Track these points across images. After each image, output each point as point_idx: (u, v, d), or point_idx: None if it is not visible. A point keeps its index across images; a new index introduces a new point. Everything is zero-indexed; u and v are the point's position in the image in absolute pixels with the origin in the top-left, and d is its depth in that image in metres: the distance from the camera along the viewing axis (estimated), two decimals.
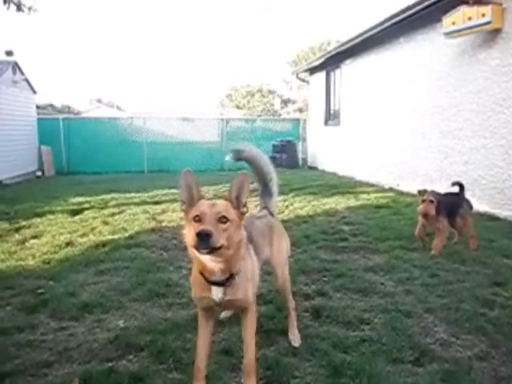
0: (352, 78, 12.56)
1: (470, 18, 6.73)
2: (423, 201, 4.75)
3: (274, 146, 16.27)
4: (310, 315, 3.26)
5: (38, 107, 16.61)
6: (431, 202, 4.70)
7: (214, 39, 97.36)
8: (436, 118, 8.41)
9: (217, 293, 2.16)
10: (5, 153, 12.25)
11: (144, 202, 8.37)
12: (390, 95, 10.27)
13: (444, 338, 2.90)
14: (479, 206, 6.83)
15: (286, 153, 15.90)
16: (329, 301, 3.51)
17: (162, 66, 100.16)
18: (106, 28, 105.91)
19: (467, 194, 5.23)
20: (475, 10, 6.65)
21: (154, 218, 6.82)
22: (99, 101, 45.78)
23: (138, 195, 9.33)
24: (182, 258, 4.62)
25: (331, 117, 14.59)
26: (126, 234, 5.80)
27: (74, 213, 7.30)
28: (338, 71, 13.74)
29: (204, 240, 1.88)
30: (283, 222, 4.74)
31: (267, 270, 2.87)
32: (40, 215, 7.07)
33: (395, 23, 9.09)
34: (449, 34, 7.35)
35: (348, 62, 12.71)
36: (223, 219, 1.97)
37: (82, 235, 5.77)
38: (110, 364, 2.63)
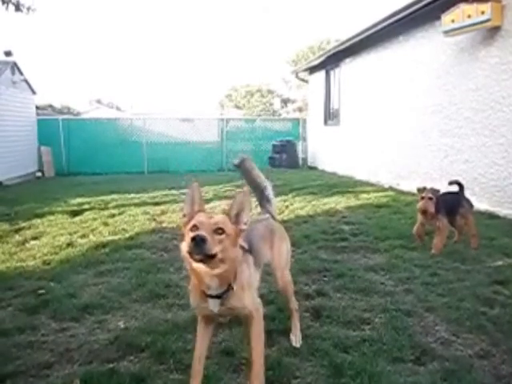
0: (351, 77, 12.56)
1: (469, 16, 6.73)
2: (422, 198, 4.75)
3: (273, 145, 16.27)
4: (310, 315, 3.25)
5: (37, 108, 16.65)
6: (430, 198, 4.69)
7: (213, 39, 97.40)
8: (436, 116, 8.41)
9: (214, 305, 2.15)
10: (5, 154, 12.26)
11: (144, 203, 8.37)
12: (389, 94, 10.26)
13: (445, 337, 2.89)
14: (479, 204, 6.83)
15: (286, 153, 15.90)
16: (329, 301, 3.50)
17: (161, 67, 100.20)
18: (105, 28, 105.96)
19: (467, 193, 5.22)
20: (474, 7, 6.64)
21: (155, 219, 6.83)
22: (99, 101, 45.79)
23: (138, 196, 9.33)
24: (183, 259, 4.61)
25: (331, 116, 14.60)
26: (127, 235, 5.80)
27: (74, 214, 7.31)
28: (337, 70, 13.74)
29: (198, 245, 1.88)
30: (283, 222, 4.74)
31: (267, 271, 2.87)
32: (40, 216, 7.07)
33: (394, 22, 9.09)
34: (448, 32, 7.35)
35: (347, 60, 12.71)
36: (219, 230, 1.97)
37: (83, 236, 5.77)
38: (111, 365, 2.63)
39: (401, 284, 3.86)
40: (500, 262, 4.35)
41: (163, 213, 7.34)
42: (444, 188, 5.06)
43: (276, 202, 3.13)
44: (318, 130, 15.75)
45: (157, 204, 8.22)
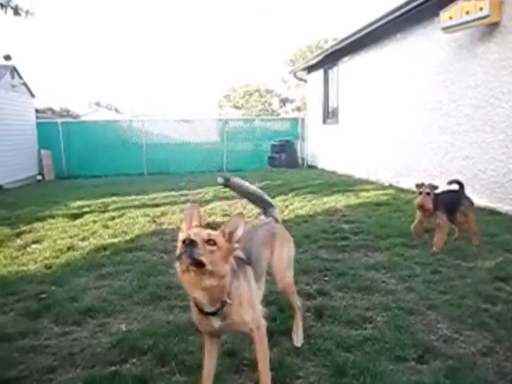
0: (350, 75, 12.56)
1: (467, 12, 6.71)
2: (420, 193, 4.76)
3: (272, 145, 16.25)
4: (312, 315, 3.25)
5: (37, 111, 16.65)
6: (428, 194, 4.70)
7: (211, 40, 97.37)
8: (435, 113, 8.40)
9: (215, 321, 2.15)
10: (5, 157, 12.28)
11: (144, 205, 8.37)
12: (388, 92, 10.26)
13: (447, 335, 2.89)
14: (480, 200, 6.83)
15: (285, 152, 15.88)
16: (331, 300, 3.50)
17: (159, 68, 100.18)
18: (102, 30, 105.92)
19: (468, 189, 5.22)
20: (473, 3, 6.62)
21: (155, 221, 6.82)
22: (98, 104, 45.76)
23: (138, 198, 9.33)
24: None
25: (330, 115, 14.60)
26: (127, 238, 5.80)
27: (75, 217, 7.31)
28: (335, 69, 13.74)
29: (188, 248, 1.89)
30: (284, 221, 4.72)
31: (268, 271, 2.87)
32: (41, 220, 7.08)
33: (392, 19, 9.08)
34: (446, 29, 7.34)
35: (345, 59, 12.71)
36: (211, 241, 1.98)
37: (83, 239, 5.77)
38: (114, 368, 2.63)
39: (402, 282, 3.86)
40: (501, 259, 4.34)
41: (163, 214, 7.33)
42: (444, 185, 5.05)
43: (277, 209, 3.12)
44: (317, 129, 15.75)
45: (157, 206, 8.22)
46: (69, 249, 5.31)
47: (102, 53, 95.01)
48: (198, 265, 1.92)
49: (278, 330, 2.97)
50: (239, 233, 2.11)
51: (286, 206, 7.61)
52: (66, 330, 3.17)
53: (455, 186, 5.02)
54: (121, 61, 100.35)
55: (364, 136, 11.63)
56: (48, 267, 4.65)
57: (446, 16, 7.20)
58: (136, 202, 8.75)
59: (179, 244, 1.96)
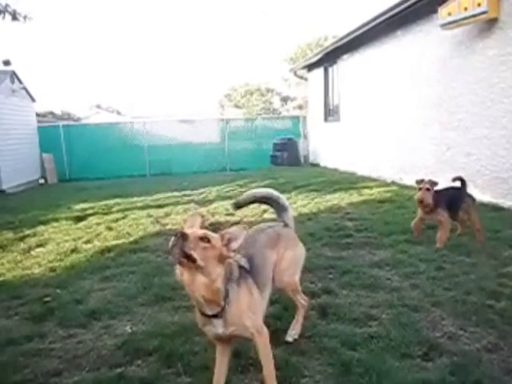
0: (350, 72, 12.54)
1: (465, 9, 6.70)
2: (420, 189, 4.76)
3: (274, 144, 16.27)
4: (316, 313, 3.25)
5: (38, 115, 16.69)
6: (427, 189, 4.71)
7: (211, 39, 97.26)
8: (436, 109, 8.38)
9: (217, 324, 2.17)
10: (7, 162, 12.32)
11: (147, 206, 8.38)
12: (388, 89, 10.24)
13: (452, 331, 2.89)
14: (482, 196, 6.82)
15: (287, 151, 15.89)
16: (335, 298, 3.51)
17: (159, 68, 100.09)
18: (101, 32, 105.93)
19: (470, 185, 5.20)
20: None
21: (158, 222, 6.83)
22: (98, 106, 45.76)
23: (141, 199, 9.35)
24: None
25: (331, 113, 14.58)
26: (131, 239, 5.81)
27: (78, 219, 7.33)
28: (335, 67, 13.72)
29: (180, 240, 1.91)
30: None
31: None
32: (44, 223, 7.10)
33: (391, 16, 9.06)
34: (445, 26, 7.33)
35: (345, 57, 12.69)
36: (205, 239, 1.99)
37: (87, 241, 5.78)
38: (119, 370, 2.64)
39: (406, 279, 3.86)
40: (505, 255, 4.33)
41: (167, 215, 7.34)
42: (447, 182, 5.04)
43: (292, 212, 3.15)
44: (318, 127, 15.74)
45: (160, 206, 8.23)
46: (73, 251, 5.33)
47: (101, 54, 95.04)
48: (188, 258, 1.93)
49: (283, 328, 2.96)
50: (238, 242, 2.12)
51: (290, 205, 7.59)
52: (70, 333, 3.18)
53: (457, 183, 5.01)
54: (120, 62, 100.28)
55: (365, 133, 11.61)
56: (52, 270, 4.67)
57: (444, 12, 7.18)
58: (139, 204, 8.77)
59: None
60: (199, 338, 2.85)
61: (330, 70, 14.29)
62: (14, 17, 9.31)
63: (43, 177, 14.88)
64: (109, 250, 5.33)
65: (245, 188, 10.07)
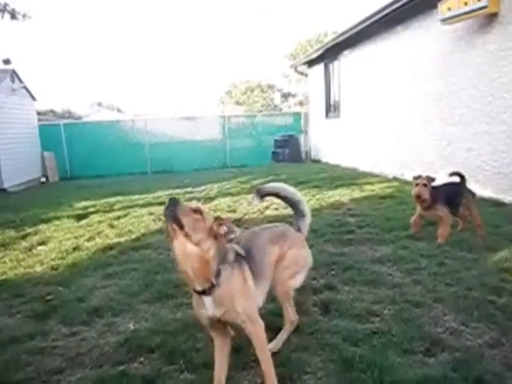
0: (350, 68, 12.52)
1: (465, 3, 6.67)
2: (417, 185, 4.76)
3: (276, 140, 16.26)
4: (318, 309, 3.26)
5: (38, 114, 16.68)
6: (424, 185, 4.71)
7: (211, 36, 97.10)
8: (437, 105, 8.37)
9: (208, 304, 2.19)
10: (9, 161, 12.34)
11: (149, 204, 8.39)
12: (389, 84, 10.22)
13: (454, 327, 2.89)
14: (483, 191, 6.81)
15: (289, 147, 15.88)
16: (337, 294, 3.51)
17: (159, 66, 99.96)
18: (102, 29, 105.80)
19: (471, 181, 5.19)
20: None
21: (160, 219, 6.83)
22: (99, 104, 45.75)
23: (142, 197, 9.35)
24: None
25: (332, 109, 14.56)
26: (133, 236, 5.81)
27: (80, 217, 7.34)
28: (336, 63, 13.70)
29: (171, 203, 2.02)
30: (289, 216, 4.69)
31: None
32: (46, 221, 7.11)
33: (391, 12, 9.03)
34: (445, 21, 7.31)
35: (346, 53, 12.67)
36: (198, 211, 2.06)
37: (89, 239, 5.79)
38: (122, 367, 2.65)
39: (408, 275, 3.86)
40: (507, 250, 4.32)
41: None
42: (447, 177, 5.03)
43: (310, 219, 3.06)
44: (319, 123, 15.72)
45: (161, 204, 8.20)
46: (75, 249, 5.34)
47: (102, 52, 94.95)
48: (177, 223, 1.99)
49: (284, 325, 2.97)
50: (232, 229, 2.16)
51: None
52: (73, 331, 3.19)
53: (456, 179, 4.99)
54: (121, 60, 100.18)
55: (366, 129, 11.60)
56: (54, 268, 4.68)
57: (444, 7, 7.16)
58: (141, 201, 8.78)
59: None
60: (201, 335, 2.86)
61: (331, 66, 14.26)
62: (13, 15, 9.32)
63: (44, 175, 14.90)
64: (111, 247, 5.34)
65: (246, 185, 10.07)
